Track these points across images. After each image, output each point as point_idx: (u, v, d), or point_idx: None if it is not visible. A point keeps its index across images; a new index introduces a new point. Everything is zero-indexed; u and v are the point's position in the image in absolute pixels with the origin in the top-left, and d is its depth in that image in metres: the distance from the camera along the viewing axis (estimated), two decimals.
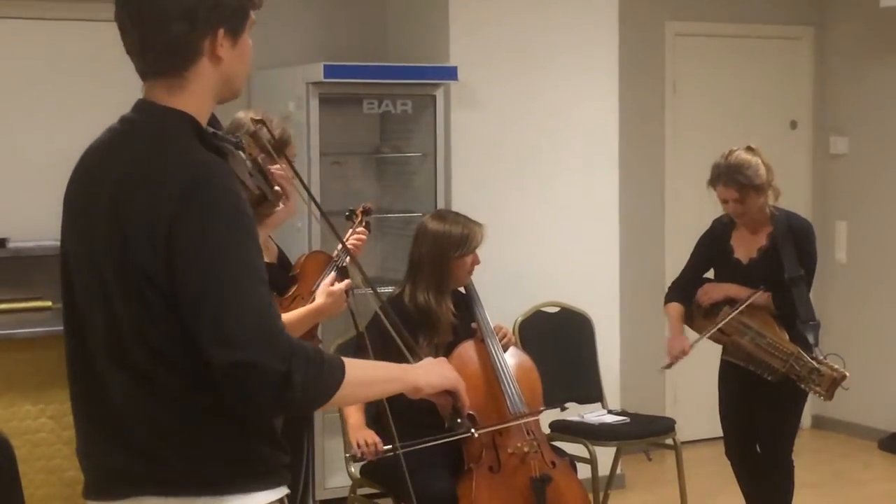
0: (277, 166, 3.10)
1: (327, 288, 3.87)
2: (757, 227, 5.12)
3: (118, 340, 2.21)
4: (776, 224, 5.09)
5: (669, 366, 5.29)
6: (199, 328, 2.11)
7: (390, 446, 4.26)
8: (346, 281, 3.92)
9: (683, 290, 5.31)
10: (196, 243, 2.12)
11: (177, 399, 2.21)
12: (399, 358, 2.79)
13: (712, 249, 5.25)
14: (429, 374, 2.43)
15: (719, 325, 5.03)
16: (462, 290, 5.05)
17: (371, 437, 4.55)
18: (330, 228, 3.17)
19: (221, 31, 2.23)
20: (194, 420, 2.21)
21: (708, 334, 5.10)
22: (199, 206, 2.13)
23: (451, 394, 2.47)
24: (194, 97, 2.26)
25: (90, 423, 2.33)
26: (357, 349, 4.34)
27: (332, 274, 3.95)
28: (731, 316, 4.99)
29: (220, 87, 2.29)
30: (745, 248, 5.14)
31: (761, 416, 5.16)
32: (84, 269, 2.28)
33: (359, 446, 4.54)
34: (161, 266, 2.13)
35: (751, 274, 5.06)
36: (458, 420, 2.48)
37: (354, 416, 4.67)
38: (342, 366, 2.20)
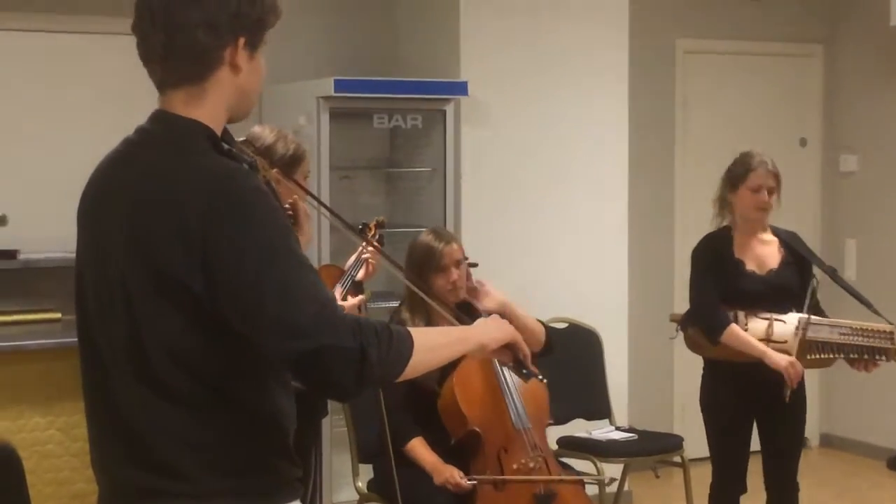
0: (295, 197, 3.06)
1: (340, 303, 3.84)
2: (755, 234, 5.06)
3: (140, 352, 2.20)
4: (778, 233, 5.10)
5: (793, 393, 4.91)
6: (262, 327, 2.11)
7: (472, 478, 4.46)
8: (360, 297, 3.87)
9: (721, 310, 4.97)
10: (239, 244, 2.11)
11: (199, 411, 2.20)
12: None
13: (718, 263, 5.04)
14: (489, 330, 2.46)
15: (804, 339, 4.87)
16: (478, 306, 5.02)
17: (456, 474, 4.55)
18: (343, 224, 3.08)
19: (242, 41, 2.25)
20: (214, 432, 2.22)
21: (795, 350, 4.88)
22: (233, 208, 2.13)
23: (510, 347, 2.49)
24: (211, 108, 2.26)
25: (105, 436, 2.33)
26: None
27: (344, 288, 3.93)
28: (804, 331, 4.87)
29: (235, 101, 2.30)
30: (755, 259, 5.02)
31: (768, 434, 5.11)
32: (101, 282, 2.27)
33: (449, 484, 4.55)
34: (196, 272, 2.12)
35: (778, 284, 4.99)
36: (524, 371, 2.53)
37: (429, 456, 4.64)
38: (409, 334, 2.23)
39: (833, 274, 5.03)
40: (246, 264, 2.11)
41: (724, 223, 5.11)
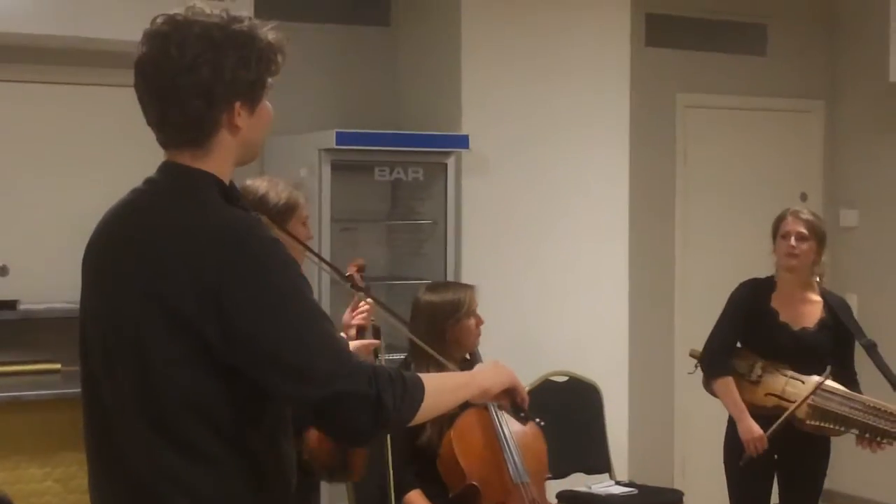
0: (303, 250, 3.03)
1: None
2: (799, 288, 5.06)
3: (152, 402, 2.20)
4: (826, 296, 5.09)
5: (749, 461, 4.94)
6: (281, 376, 2.15)
7: None
8: (373, 341, 3.78)
9: (727, 358, 5.06)
10: (254, 294, 2.14)
11: (208, 461, 2.20)
12: None
13: (752, 309, 5.06)
14: (490, 375, 2.51)
15: (806, 400, 4.85)
16: (468, 356, 5.03)
17: None
18: (337, 274, 3.08)
19: (238, 104, 2.26)
20: (223, 482, 2.22)
21: (791, 411, 4.86)
22: (248, 259, 2.15)
23: (509, 391, 2.55)
24: (216, 162, 2.28)
25: (109, 485, 2.34)
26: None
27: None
28: (812, 393, 4.85)
29: (240, 152, 2.32)
30: (791, 313, 5.03)
31: (787, 488, 5.09)
32: (109, 333, 2.26)
33: None
34: (212, 322, 2.14)
35: (807, 343, 4.99)
36: (522, 414, 2.65)
37: None
38: (420, 380, 2.29)
39: (871, 348, 4.98)
40: (262, 314, 2.13)
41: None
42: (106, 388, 2.27)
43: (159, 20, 2.26)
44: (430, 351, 3.51)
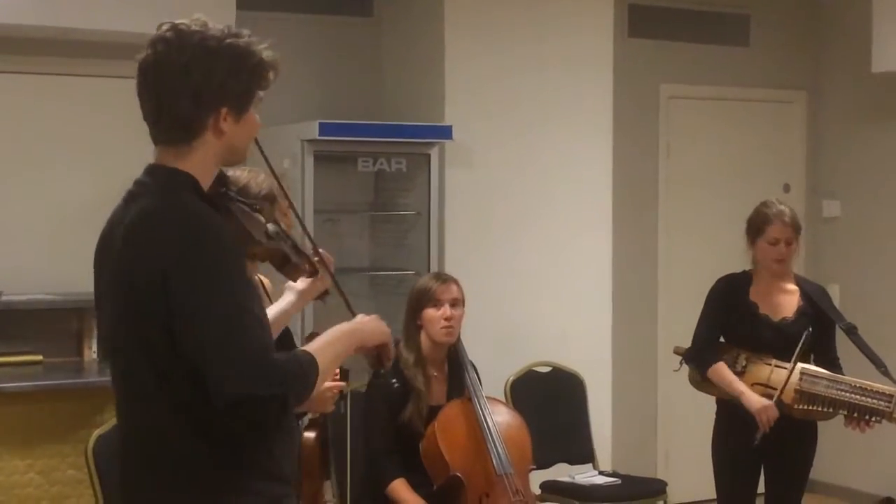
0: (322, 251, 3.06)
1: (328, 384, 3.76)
2: (776, 280, 5.06)
3: (131, 379, 2.44)
4: (802, 283, 5.11)
5: (764, 436, 4.88)
6: (204, 369, 2.31)
7: None
8: (340, 383, 3.82)
9: (714, 349, 5.05)
10: (190, 279, 2.32)
11: (189, 436, 2.40)
12: None
13: (731, 304, 5.07)
14: (369, 330, 2.70)
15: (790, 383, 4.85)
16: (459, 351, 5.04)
17: None
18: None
19: (224, 110, 2.45)
20: (202, 458, 2.40)
21: (778, 395, 4.85)
22: (191, 246, 2.33)
23: (380, 347, 2.73)
24: (198, 163, 2.47)
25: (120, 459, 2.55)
26: None
27: None
28: (792, 372, 4.86)
29: (223, 155, 2.51)
30: (770, 305, 5.03)
31: (774, 477, 5.10)
32: (103, 321, 2.53)
33: None
34: (163, 311, 2.33)
35: (788, 332, 4.96)
36: (382, 370, 2.79)
37: (411, 498, 4.64)
38: (312, 358, 2.45)
39: (851, 331, 4.98)
40: (191, 311, 2.32)
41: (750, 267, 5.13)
42: (113, 370, 2.52)
43: (164, 27, 2.45)
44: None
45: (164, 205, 2.41)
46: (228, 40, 2.44)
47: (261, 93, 2.51)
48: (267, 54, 2.49)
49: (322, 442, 3.88)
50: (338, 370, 3.82)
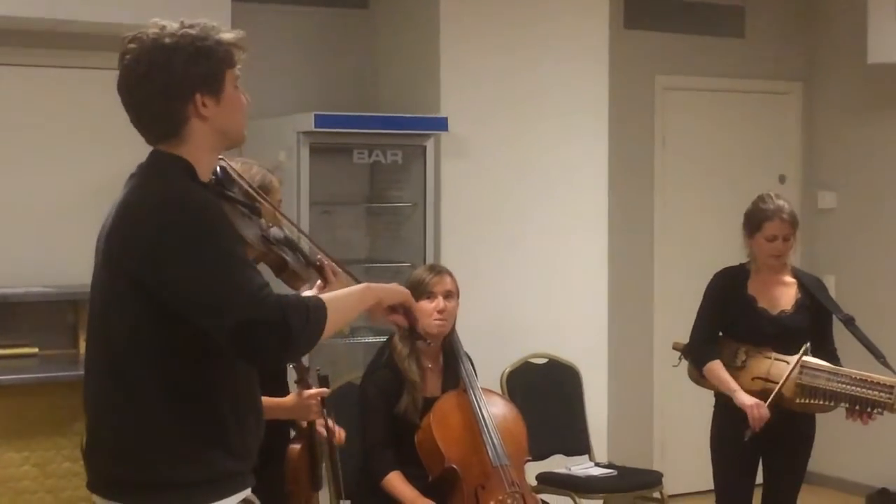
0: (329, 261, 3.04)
1: (301, 395, 3.76)
2: (773, 273, 5.06)
3: (106, 349, 2.53)
4: (799, 275, 5.11)
5: (756, 433, 4.89)
6: (200, 313, 2.42)
7: None
8: (322, 390, 3.83)
9: (713, 345, 5.07)
10: (183, 246, 2.42)
11: (154, 403, 2.48)
12: None
13: (729, 298, 5.07)
14: (386, 288, 2.74)
15: (789, 378, 4.85)
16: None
17: None
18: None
19: (198, 96, 2.54)
20: (164, 425, 2.49)
21: (776, 392, 4.85)
22: (183, 216, 2.44)
23: (403, 306, 2.75)
24: (191, 149, 2.57)
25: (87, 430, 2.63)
26: None
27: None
28: (793, 369, 4.86)
29: (216, 139, 2.60)
30: (768, 298, 5.04)
31: (772, 469, 5.10)
32: (94, 296, 2.60)
33: None
34: (151, 274, 2.44)
35: (787, 325, 4.99)
36: (416, 330, 2.79)
37: (407, 491, 4.63)
38: (322, 301, 2.53)
39: (849, 323, 4.99)
40: (186, 262, 2.41)
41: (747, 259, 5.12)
42: (91, 340, 2.60)
43: (127, 40, 2.56)
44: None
45: (153, 186, 2.52)
46: (182, 31, 2.54)
47: (234, 71, 2.59)
48: (225, 34, 2.58)
49: (310, 451, 3.85)
50: (317, 377, 3.85)
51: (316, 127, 5.87)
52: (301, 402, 3.73)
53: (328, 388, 3.87)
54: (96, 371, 2.57)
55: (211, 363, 2.51)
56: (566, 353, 6.24)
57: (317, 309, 2.50)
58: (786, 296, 5.05)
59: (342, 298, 2.62)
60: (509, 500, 4.64)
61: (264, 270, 2.64)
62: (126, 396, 2.49)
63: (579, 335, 6.51)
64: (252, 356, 2.47)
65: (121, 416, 2.50)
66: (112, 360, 2.51)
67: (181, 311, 2.44)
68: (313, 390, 3.77)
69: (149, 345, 2.47)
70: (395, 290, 2.75)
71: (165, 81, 2.52)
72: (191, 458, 2.50)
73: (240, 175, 2.82)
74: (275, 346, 2.42)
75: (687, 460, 6.87)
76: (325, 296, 2.58)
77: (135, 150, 2.68)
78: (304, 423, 3.85)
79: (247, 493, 2.61)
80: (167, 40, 2.52)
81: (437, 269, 4.99)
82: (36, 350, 5.64)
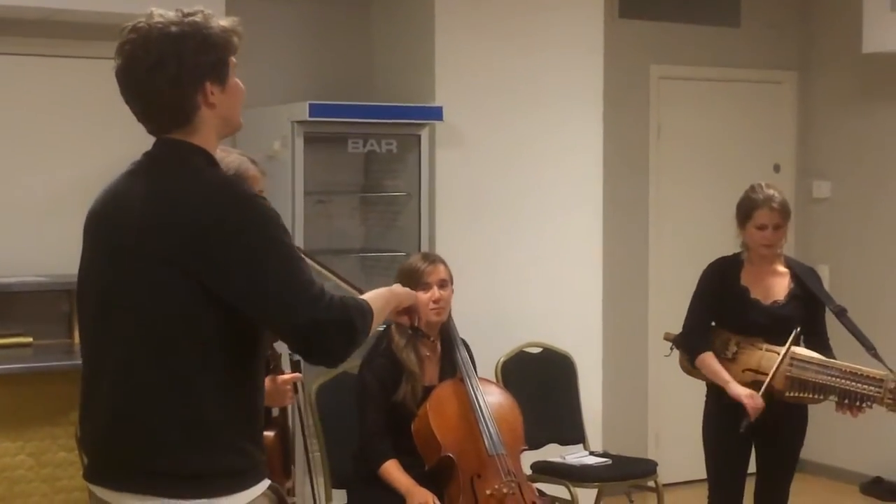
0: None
1: (275, 381, 3.73)
2: (767, 263, 5.06)
3: (148, 342, 2.48)
4: (793, 265, 5.11)
5: (753, 424, 4.89)
6: (271, 312, 2.47)
7: None
8: (297, 375, 3.81)
9: (705, 336, 5.08)
10: (248, 243, 2.45)
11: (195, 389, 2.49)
12: None
13: (722, 289, 5.07)
14: (402, 293, 2.93)
15: (778, 370, 4.84)
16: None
17: (430, 499, 4.58)
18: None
19: (208, 84, 2.56)
20: (211, 417, 2.49)
21: (767, 383, 4.85)
22: (241, 213, 2.47)
23: (411, 309, 2.97)
24: (202, 137, 2.59)
25: (100, 417, 2.58)
26: None
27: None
28: (783, 358, 4.86)
29: (220, 126, 2.63)
30: (761, 288, 5.04)
31: (765, 458, 5.11)
32: (108, 287, 2.55)
33: None
34: (208, 266, 2.44)
35: (780, 315, 4.99)
36: (418, 327, 3.04)
37: (404, 479, 4.64)
38: (367, 303, 2.65)
39: (842, 314, 4.99)
40: (255, 259, 2.45)
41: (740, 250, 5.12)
42: (105, 333, 2.55)
43: (126, 30, 2.55)
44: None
45: (194, 178, 2.52)
46: (187, 20, 2.54)
47: (233, 58, 2.61)
48: (225, 21, 2.61)
49: (282, 440, 3.84)
50: (290, 362, 3.85)
51: (311, 116, 5.86)
52: (275, 387, 3.70)
53: (300, 372, 3.86)
54: (130, 362, 2.50)
55: (252, 355, 2.57)
56: (561, 343, 6.24)
57: (368, 309, 2.62)
58: (778, 286, 5.06)
59: (378, 300, 2.75)
60: (505, 489, 4.64)
61: None
62: (173, 386, 2.47)
63: (574, 324, 6.52)
64: (320, 354, 2.53)
65: (167, 407, 2.47)
66: (157, 350, 2.48)
67: (246, 307, 2.47)
68: (286, 375, 3.75)
69: (202, 336, 2.47)
70: (408, 294, 2.93)
71: (176, 71, 2.51)
72: (231, 449, 2.52)
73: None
74: (341, 346, 2.52)
75: (681, 449, 6.88)
76: (366, 297, 2.69)
77: (130, 139, 2.68)
78: (277, 411, 3.84)
79: (268, 481, 2.65)
80: (174, 29, 2.52)
81: (431, 258, 4.98)
82: (30, 340, 5.63)
